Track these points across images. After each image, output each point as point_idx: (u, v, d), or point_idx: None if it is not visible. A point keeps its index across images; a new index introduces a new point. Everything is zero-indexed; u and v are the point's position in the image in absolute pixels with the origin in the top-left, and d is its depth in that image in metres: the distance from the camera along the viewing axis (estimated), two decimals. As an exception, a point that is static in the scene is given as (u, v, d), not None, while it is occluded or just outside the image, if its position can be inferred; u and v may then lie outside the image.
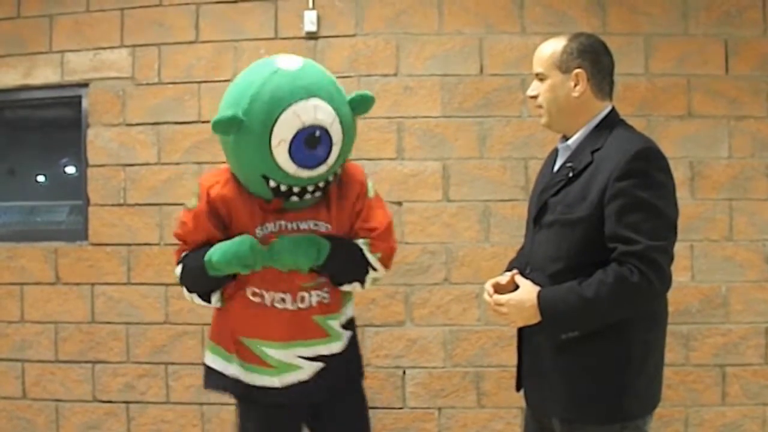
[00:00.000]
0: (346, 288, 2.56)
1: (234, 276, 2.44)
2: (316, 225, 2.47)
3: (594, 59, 2.27)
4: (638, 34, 3.66)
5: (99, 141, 3.81)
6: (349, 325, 2.63)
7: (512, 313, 2.22)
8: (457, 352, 3.65)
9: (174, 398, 3.74)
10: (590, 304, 2.08)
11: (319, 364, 2.50)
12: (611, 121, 2.28)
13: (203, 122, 3.72)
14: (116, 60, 3.82)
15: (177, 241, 2.57)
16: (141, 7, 3.81)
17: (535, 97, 2.34)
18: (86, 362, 3.78)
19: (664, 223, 2.11)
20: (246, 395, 2.53)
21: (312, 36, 3.71)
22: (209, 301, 2.50)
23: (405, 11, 3.70)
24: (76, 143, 3.88)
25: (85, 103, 3.85)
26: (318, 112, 2.29)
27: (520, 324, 2.25)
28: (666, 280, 2.10)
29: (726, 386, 3.61)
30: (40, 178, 4.21)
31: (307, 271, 2.44)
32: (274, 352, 2.46)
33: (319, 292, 2.48)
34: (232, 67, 3.73)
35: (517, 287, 2.25)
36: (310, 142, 2.29)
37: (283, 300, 2.45)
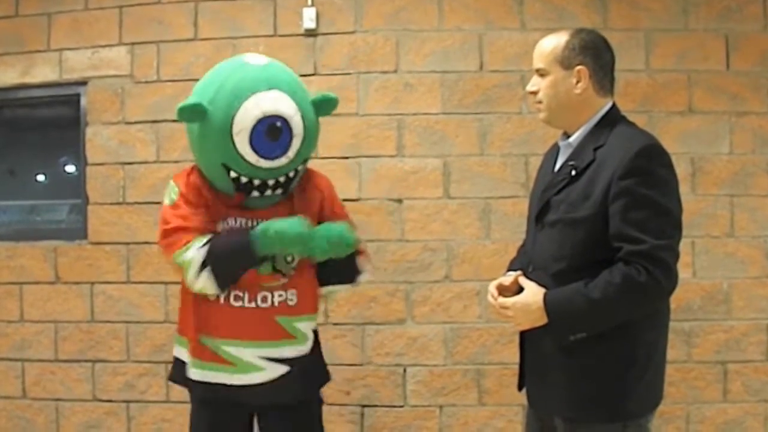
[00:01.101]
0: (334, 288, 2.61)
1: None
2: None
3: (596, 55, 2.25)
4: (639, 30, 3.65)
5: (98, 139, 3.80)
6: (315, 330, 2.62)
7: (518, 316, 2.21)
8: (458, 349, 3.64)
9: (174, 397, 3.72)
10: (598, 306, 2.06)
11: (284, 368, 2.47)
12: (613, 118, 2.26)
13: (202, 120, 3.71)
14: (115, 58, 3.81)
15: (170, 232, 2.46)
16: (139, 4, 3.79)
17: (535, 93, 2.32)
18: (86, 361, 3.77)
19: (669, 220, 2.10)
20: (202, 393, 2.52)
21: (311, 33, 3.70)
22: (225, 287, 2.41)
23: (404, 8, 3.69)
24: (75, 142, 3.87)
25: (83, 102, 3.84)
26: (279, 103, 2.39)
27: (527, 326, 2.24)
28: (673, 279, 2.09)
29: (727, 383, 3.60)
30: (40, 177, 4.20)
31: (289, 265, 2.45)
32: (233, 350, 2.44)
33: (282, 293, 2.47)
34: (231, 65, 3.72)
35: (521, 288, 2.24)
36: (270, 133, 2.37)
37: (240, 297, 2.43)
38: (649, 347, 2.17)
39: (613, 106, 2.29)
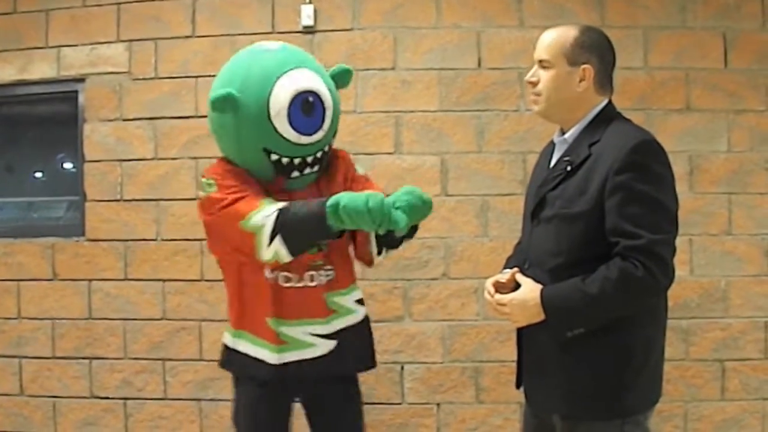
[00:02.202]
0: (387, 253, 2.59)
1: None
2: None
3: (601, 55, 2.25)
4: (637, 28, 3.65)
5: (95, 136, 3.80)
6: (361, 301, 2.63)
7: (515, 313, 2.21)
8: (456, 347, 3.64)
9: (172, 394, 3.72)
10: (595, 301, 2.06)
11: (333, 342, 2.48)
12: (608, 115, 2.26)
13: (200, 117, 3.69)
14: (113, 55, 3.80)
15: (230, 196, 2.38)
16: (137, 1, 3.79)
17: (534, 83, 2.31)
18: (83, 358, 3.77)
19: (665, 216, 2.10)
20: (248, 371, 2.51)
21: (309, 30, 3.70)
22: (296, 254, 2.36)
23: (402, 5, 3.69)
24: (73, 138, 3.87)
25: (81, 98, 3.83)
26: (308, 78, 2.44)
27: (524, 323, 2.23)
28: (670, 274, 2.09)
29: (725, 381, 3.60)
30: (38, 174, 4.19)
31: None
32: (288, 330, 2.45)
33: (325, 270, 2.49)
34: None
35: (518, 285, 2.24)
36: (305, 108, 2.40)
37: (289, 278, 2.45)
38: (647, 343, 2.17)
39: (609, 102, 2.29)
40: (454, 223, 3.65)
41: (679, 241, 3.51)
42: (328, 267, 2.50)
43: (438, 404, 3.65)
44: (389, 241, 2.53)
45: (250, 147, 2.45)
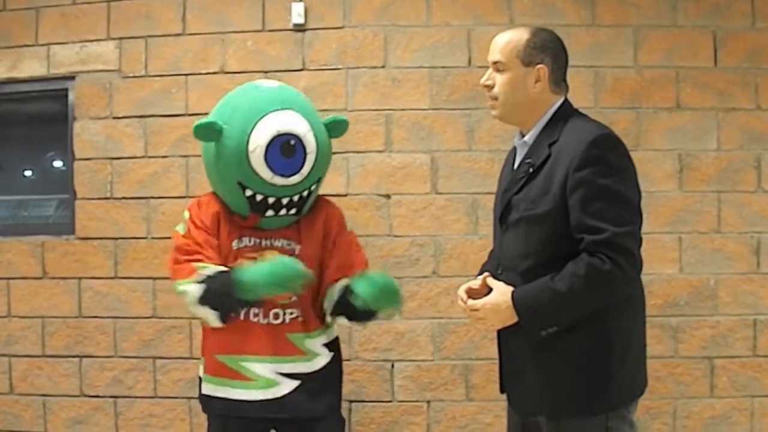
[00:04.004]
0: (343, 321, 2.62)
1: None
2: (288, 244, 2.56)
3: (555, 55, 2.29)
4: (627, 26, 3.66)
5: (85, 134, 3.79)
6: (332, 345, 2.65)
7: (489, 317, 2.22)
8: (446, 345, 3.64)
9: (162, 392, 3.72)
10: (565, 298, 2.07)
11: (296, 382, 2.51)
12: (565, 113, 2.28)
13: (190, 115, 3.69)
14: (103, 53, 3.79)
15: (182, 256, 2.49)
16: (127, -1, 3.79)
17: (489, 87, 2.33)
18: (73, 357, 3.76)
19: (627, 207, 2.12)
20: (219, 409, 2.56)
21: (299, 28, 3.70)
22: (226, 321, 2.45)
23: (393, 3, 3.69)
24: (63, 137, 3.86)
25: (71, 96, 3.82)
26: (292, 122, 2.48)
27: (498, 326, 2.25)
28: (637, 264, 2.11)
29: (714, 378, 3.61)
30: (27, 173, 4.18)
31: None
32: (254, 366, 2.49)
33: (292, 310, 2.52)
34: (219, 60, 3.72)
35: (490, 290, 2.25)
36: (285, 150, 2.45)
37: (257, 314, 2.49)
38: (625, 335, 2.18)
39: (565, 101, 2.31)
40: (444, 221, 3.65)
41: (669, 239, 3.58)
42: (294, 308, 2.53)
43: (428, 402, 3.65)
44: (348, 311, 2.55)
45: (227, 179, 2.52)
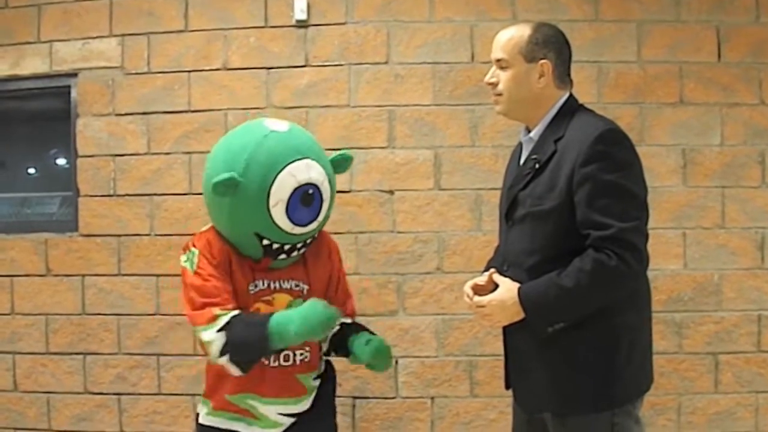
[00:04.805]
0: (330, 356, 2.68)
1: None
2: (297, 285, 2.53)
3: (558, 50, 2.28)
4: (630, 21, 3.65)
5: (88, 131, 3.78)
6: (318, 375, 2.65)
7: (495, 313, 2.22)
8: (450, 341, 3.64)
9: (166, 389, 3.72)
10: (572, 294, 2.07)
11: (291, 420, 2.52)
12: (570, 108, 2.28)
13: (193, 111, 3.70)
14: (105, 49, 3.79)
15: (200, 298, 2.40)
16: (130, -4, 3.79)
17: (493, 84, 2.32)
18: (77, 354, 3.76)
19: (634, 203, 2.12)
20: None
21: (302, 24, 3.69)
22: (247, 371, 2.39)
23: (395, -1, 3.69)
24: (66, 134, 3.85)
25: (74, 94, 3.81)
26: (311, 171, 2.41)
27: (505, 323, 2.25)
28: (643, 260, 2.10)
29: (719, 374, 3.61)
30: (31, 170, 4.18)
31: None
32: (260, 407, 2.48)
33: (302, 351, 2.51)
34: (221, 56, 3.71)
35: (496, 286, 2.24)
36: (304, 200, 2.40)
37: (268, 357, 2.46)
38: (631, 331, 2.17)
39: (570, 96, 2.31)
40: (447, 217, 3.65)
41: (673, 235, 3.58)
42: (306, 349, 2.52)
43: (432, 398, 3.65)
44: (342, 349, 2.62)
45: (243, 230, 2.44)
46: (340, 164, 2.61)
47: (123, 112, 3.76)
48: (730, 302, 3.61)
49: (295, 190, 2.38)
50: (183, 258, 2.48)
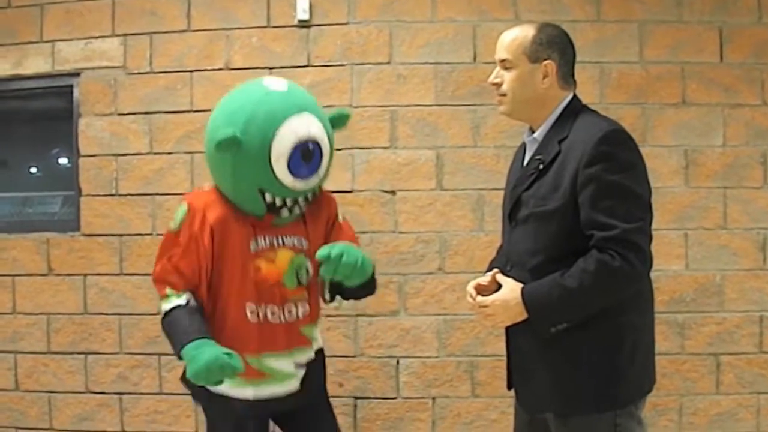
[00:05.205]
0: (334, 304, 2.72)
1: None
2: (299, 241, 2.60)
3: (562, 50, 2.28)
4: (632, 22, 3.65)
5: (90, 131, 3.79)
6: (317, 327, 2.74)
7: (498, 314, 2.22)
8: (451, 341, 3.64)
9: (167, 389, 3.72)
10: (575, 295, 2.07)
11: (303, 369, 2.60)
12: (574, 109, 2.28)
13: (195, 111, 3.70)
14: (108, 49, 3.79)
15: (167, 263, 2.52)
16: (132, -5, 3.79)
17: (497, 85, 2.33)
18: (79, 353, 3.77)
19: (638, 203, 2.12)
20: (241, 410, 2.56)
21: (304, 24, 3.69)
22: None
23: (398, -1, 3.69)
24: (68, 133, 3.86)
25: (76, 93, 3.82)
26: (311, 127, 2.48)
27: (508, 323, 2.25)
28: (647, 261, 2.10)
29: (720, 375, 3.60)
30: (33, 169, 4.19)
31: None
32: (274, 362, 2.53)
33: (303, 303, 2.60)
34: (224, 56, 3.71)
35: (499, 287, 2.24)
36: (305, 155, 2.46)
37: (274, 313, 2.53)
38: (634, 332, 2.17)
39: (574, 97, 2.31)
40: (449, 217, 3.65)
41: (674, 236, 3.58)
42: (305, 301, 2.61)
43: (433, 398, 3.65)
44: (342, 292, 2.66)
45: (246, 186, 2.50)
46: (338, 120, 2.68)
47: (125, 112, 3.77)
48: (731, 303, 3.61)
49: (297, 145, 2.44)
50: (173, 220, 2.56)
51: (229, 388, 2.52)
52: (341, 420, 3.60)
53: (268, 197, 2.49)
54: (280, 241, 2.56)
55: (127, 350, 3.75)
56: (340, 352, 3.63)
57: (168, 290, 2.50)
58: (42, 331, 3.79)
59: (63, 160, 4.04)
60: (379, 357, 3.65)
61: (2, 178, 4.08)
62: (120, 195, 3.76)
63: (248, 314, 2.50)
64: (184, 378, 2.54)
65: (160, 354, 3.72)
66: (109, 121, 3.78)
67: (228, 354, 2.34)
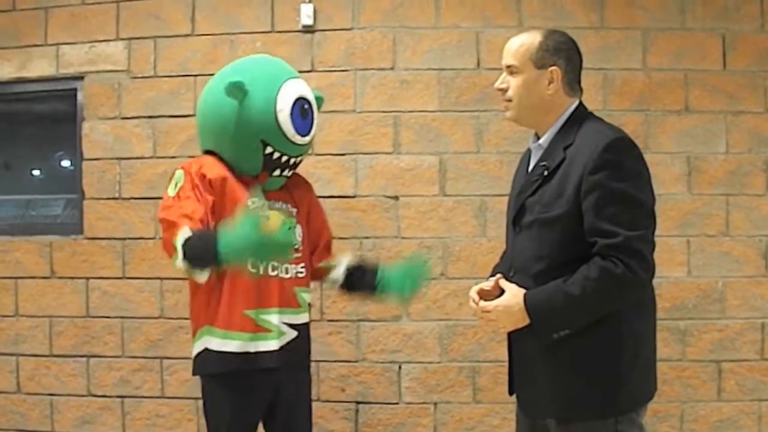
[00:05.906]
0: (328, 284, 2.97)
1: None
2: (287, 206, 2.77)
3: (569, 57, 2.28)
4: (636, 29, 3.66)
5: (94, 134, 3.79)
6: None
7: (500, 319, 2.22)
8: (453, 347, 3.64)
9: (169, 393, 3.73)
10: (578, 301, 2.07)
11: (294, 332, 2.69)
12: (580, 116, 2.28)
13: (199, 116, 3.71)
14: (112, 53, 3.80)
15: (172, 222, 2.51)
16: (137, -1, 3.80)
17: (503, 90, 2.33)
18: (81, 356, 3.77)
19: (641, 211, 2.12)
20: (239, 365, 2.60)
21: (308, 29, 3.70)
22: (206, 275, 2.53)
23: (402, 4, 3.69)
24: (72, 136, 3.87)
25: (80, 96, 3.83)
26: (305, 88, 2.78)
27: (510, 328, 2.25)
28: (650, 269, 2.10)
29: (722, 382, 3.60)
30: (36, 172, 4.19)
31: None
32: (270, 317, 2.61)
33: (296, 266, 2.71)
34: (227, 61, 3.64)
35: (502, 292, 2.24)
36: (302, 112, 2.72)
37: (274, 268, 2.64)
38: (636, 339, 2.17)
39: (580, 104, 2.31)
40: (452, 223, 3.65)
41: (677, 242, 3.58)
42: (302, 264, 2.74)
43: (435, 404, 3.65)
44: (350, 288, 2.92)
45: (248, 137, 2.65)
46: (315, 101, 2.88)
47: (129, 116, 3.78)
48: (733, 310, 3.61)
49: (297, 100, 2.69)
50: (170, 187, 2.62)
51: (221, 342, 2.58)
52: (343, 425, 3.62)
53: (268, 149, 2.65)
54: (271, 204, 2.69)
55: (129, 354, 3.75)
56: (342, 357, 3.63)
57: (179, 232, 2.47)
58: (44, 334, 3.79)
59: (66, 163, 4.05)
60: (381, 362, 3.65)
61: (6, 181, 4.09)
62: (123, 198, 3.76)
63: (251, 270, 2.57)
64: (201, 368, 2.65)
65: (162, 357, 3.73)
66: (113, 124, 3.79)
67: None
